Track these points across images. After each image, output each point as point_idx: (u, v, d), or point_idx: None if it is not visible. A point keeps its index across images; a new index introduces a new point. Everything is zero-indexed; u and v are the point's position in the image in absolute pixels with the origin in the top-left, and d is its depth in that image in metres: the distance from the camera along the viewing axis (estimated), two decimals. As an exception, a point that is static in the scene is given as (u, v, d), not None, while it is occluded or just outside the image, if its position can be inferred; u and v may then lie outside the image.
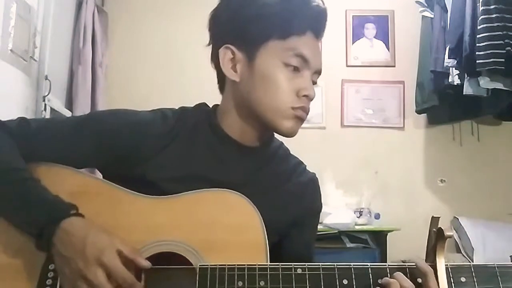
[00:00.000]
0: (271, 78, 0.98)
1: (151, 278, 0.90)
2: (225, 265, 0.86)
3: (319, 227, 2.88)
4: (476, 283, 0.87)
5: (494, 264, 0.89)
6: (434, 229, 0.88)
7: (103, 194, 0.96)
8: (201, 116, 1.06)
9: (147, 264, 0.86)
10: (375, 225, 3.10)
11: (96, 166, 1.05)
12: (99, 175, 1.06)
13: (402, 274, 0.85)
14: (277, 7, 0.98)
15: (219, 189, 0.95)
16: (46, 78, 2.64)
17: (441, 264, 0.86)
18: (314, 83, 1.02)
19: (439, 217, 0.89)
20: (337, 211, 3.00)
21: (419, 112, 3.31)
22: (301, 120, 1.00)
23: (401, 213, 3.26)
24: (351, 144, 3.43)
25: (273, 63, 0.98)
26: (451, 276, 0.87)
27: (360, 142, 3.44)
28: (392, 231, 3.03)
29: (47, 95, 2.63)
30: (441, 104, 3.13)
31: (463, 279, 0.87)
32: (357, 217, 3.09)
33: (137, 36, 3.51)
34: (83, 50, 3.08)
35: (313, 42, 1.01)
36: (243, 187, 0.96)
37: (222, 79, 1.07)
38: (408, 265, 0.88)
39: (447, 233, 0.86)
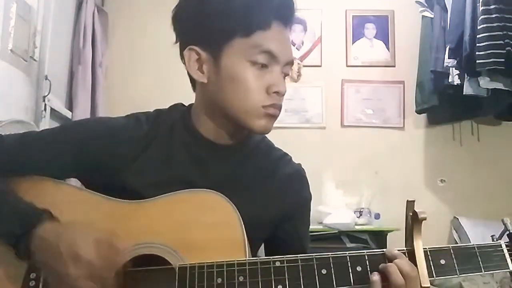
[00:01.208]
0: (238, 78, 0.94)
1: (131, 280, 0.90)
2: (204, 263, 0.87)
3: (319, 227, 2.90)
4: (456, 264, 0.87)
5: (473, 245, 0.89)
6: (410, 213, 0.87)
7: (83, 202, 0.96)
8: (176, 118, 1.04)
9: (124, 246, 0.86)
10: (375, 225, 3.09)
11: (75, 176, 1.04)
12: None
13: (400, 260, 0.85)
14: (237, 3, 0.94)
15: (195, 189, 0.95)
16: (46, 78, 2.64)
17: (419, 247, 0.86)
18: (287, 74, 1.00)
19: (414, 200, 0.89)
20: (337, 211, 3.00)
21: (419, 112, 3.30)
22: (273, 117, 0.97)
23: (401, 213, 3.18)
24: (351, 144, 3.42)
25: (239, 62, 0.95)
26: (430, 259, 0.87)
27: (360, 142, 3.43)
28: (392, 231, 3.03)
29: (47, 95, 2.63)
30: (441, 104, 3.13)
31: (442, 261, 0.87)
32: (357, 217, 3.08)
33: (137, 36, 3.50)
34: (83, 50, 3.08)
35: (281, 34, 0.97)
36: (223, 186, 0.95)
37: (193, 79, 1.04)
38: (384, 250, 0.88)
39: (421, 215, 0.86)
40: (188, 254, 0.89)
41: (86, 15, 3.13)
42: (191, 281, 0.86)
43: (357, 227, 2.98)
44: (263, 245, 1.11)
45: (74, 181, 1.07)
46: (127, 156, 0.98)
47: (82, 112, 3.01)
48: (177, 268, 0.87)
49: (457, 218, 3.23)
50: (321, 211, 3.00)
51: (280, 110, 0.98)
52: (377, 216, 3.16)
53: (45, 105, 2.63)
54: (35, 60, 2.58)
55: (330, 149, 3.39)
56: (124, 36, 3.52)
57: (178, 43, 1.03)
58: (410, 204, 0.88)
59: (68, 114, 2.96)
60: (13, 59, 2.35)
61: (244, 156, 1.05)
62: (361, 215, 3.13)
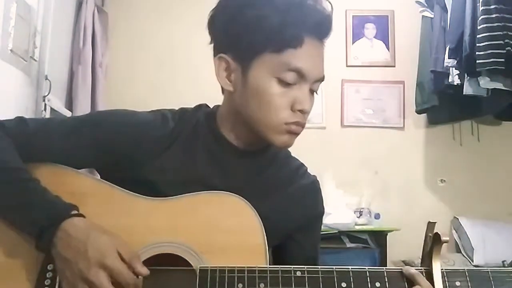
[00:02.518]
0: (264, 93, 0.94)
1: (150, 279, 0.90)
2: (225, 267, 0.87)
3: (319, 227, 2.90)
4: (470, 287, 0.89)
5: (487, 269, 0.92)
6: (430, 234, 0.89)
7: (103, 195, 0.96)
8: (200, 118, 1.05)
9: (144, 271, 0.86)
10: (375, 225, 3.10)
11: (96, 167, 1.04)
12: (97, 176, 1.05)
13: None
14: (272, 18, 0.92)
15: (219, 191, 0.95)
16: (46, 78, 2.64)
17: (437, 268, 0.88)
18: (314, 91, 0.99)
19: (435, 222, 0.90)
20: (337, 211, 3.00)
21: (419, 112, 3.31)
22: (295, 134, 0.97)
23: (401, 213, 3.26)
24: (351, 144, 3.43)
25: (266, 77, 0.94)
26: (446, 280, 0.89)
27: (360, 142, 3.44)
28: (392, 231, 3.03)
29: (47, 95, 2.63)
30: (441, 104, 3.13)
31: (458, 283, 0.89)
32: (357, 217, 3.09)
33: (137, 36, 3.51)
34: (83, 50, 3.08)
35: (313, 50, 0.96)
36: (242, 190, 0.95)
37: None
38: (402, 268, 0.90)
39: (443, 238, 0.88)
40: (208, 256, 0.89)
41: (86, 15, 3.13)
42: (212, 284, 0.86)
43: (357, 227, 2.99)
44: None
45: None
46: (151, 152, 0.98)
47: (82, 112, 3.01)
48: (198, 270, 0.87)
49: (457, 218, 3.23)
50: (322, 212, 3.00)
51: (303, 127, 0.98)
52: (377, 216, 3.16)
53: (45, 105, 2.63)
54: (35, 60, 2.58)
55: (330, 149, 3.39)
56: (124, 36, 3.52)
57: (212, 44, 1.03)
58: (431, 225, 0.90)
59: (68, 114, 2.96)
60: (13, 59, 2.35)
61: (264, 162, 1.06)
62: (361, 215, 3.13)
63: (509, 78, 2.56)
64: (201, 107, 1.09)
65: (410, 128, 3.48)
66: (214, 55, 1.00)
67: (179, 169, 0.99)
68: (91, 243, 0.84)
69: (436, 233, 0.88)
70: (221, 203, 0.94)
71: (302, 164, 1.13)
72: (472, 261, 2.97)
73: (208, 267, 0.87)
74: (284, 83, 0.94)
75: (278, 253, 1.09)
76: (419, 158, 3.46)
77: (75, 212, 0.89)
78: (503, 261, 0.77)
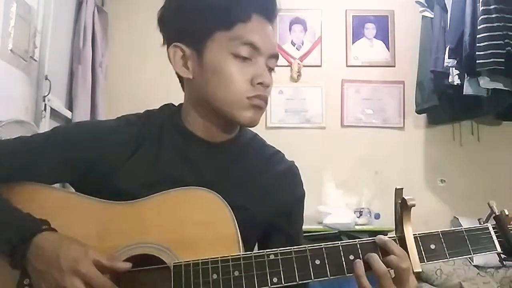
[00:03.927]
0: (222, 71, 0.95)
1: (127, 281, 0.90)
2: (198, 260, 0.87)
3: (319, 227, 2.91)
4: (446, 248, 0.89)
5: (462, 228, 0.91)
6: (399, 201, 0.88)
7: (73, 206, 0.96)
8: (166, 117, 1.04)
9: (126, 266, 0.86)
10: (375, 225, 3.10)
11: (68, 181, 1.04)
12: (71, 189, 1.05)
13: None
14: None
15: (186, 187, 0.95)
16: (46, 78, 2.64)
17: (409, 233, 0.88)
18: (272, 69, 1.00)
19: (402, 188, 0.89)
20: (337, 211, 3.01)
21: (419, 112, 3.31)
22: (260, 108, 0.98)
23: (401, 213, 3.25)
24: (351, 144, 3.43)
25: (221, 55, 0.95)
26: (420, 244, 0.88)
27: (360, 142, 3.44)
28: (392, 231, 3.01)
29: (47, 95, 2.63)
30: (441, 104, 3.13)
31: (432, 246, 0.89)
32: (357, 217, 3.09)
33: (137, 36, 3.50)
34: (83, 50, 3.08)
35: (262, 26, 0.98)
36: (215, 184, 0.95)
37: (181, 78, 1.05)
38: (374, 238, 0.90)
39: (410, 202, 0.87)
40: (181, 252, 0.89)
41: (86, 15, 3.13)
42: (187, 279, 0.86)
43: (357, 227, 2.99)
44: (256, 245, 1.11)
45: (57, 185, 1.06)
46: (118, 158, 0.98)
47: (82, 112, 3.01)
48: (172, 267, 0.87)
49: (457, 218, 3.23)
50: (321, 211, 3.01)
51: (266, 102, 0.99)
52: (377, 216, 3.16)
53: (45, 105, 2.63)
54: (35, 60, 2.58)
55: (330, 149, 3.39)
56: (124, 36, 3.53)
57: (165, 45, 1.04)
58: (398, 191, 0.89)
59: (68, 114, 2.96)
60: (13, 59, 2.35)
61: (236, 153, 1.06)
62: (361, 215, 3.13)
63: (509, 78, 2.55)
64: (167, 106, 1.09)
65: (410, 128, 3.48)
66: (168, 48, 1.02)
67: (149, 170, 0.98)
68: (64, 252, 0.84)
69: (403, 198, 0.87)
70: (189, 198, 0.94)
71: (278, 151, 1.12)
72: (472, 261, 2.97)
73: (181, 262, 0.87)
74: (240, 58, 0.95)
75: (264, 245, 1.09)
76: (419, 158, 3.46)
77: (45, 227, 0.89)
78: (478, 219, 0.77)
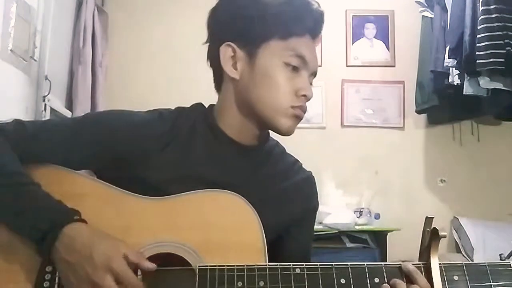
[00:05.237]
0: (271, 77, 0.99)
1: (150, 279, 0.90)
2: (224, 265, 0.87)
3: (319, 227, 2.90)
4: (468, 281, 0.90)
5: (485, 263, 0.93)
6: (428, 229, 0.90)
7: (101, 196, 0.96)
8: (198, 116, 1.06)
9: (152, 266, 0.87)
10: (375, 225, 3.10)
11: (95, 168, 1.04)
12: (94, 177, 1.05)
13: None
14: (279, 8, 1.00)
15: (217, 189, 0.95)
16: (46, 78, 2.64)
17: (435, 263, 0.89)
18: (311, 85, 1.04)
19: (433, 217, 0.91)
20: (337, 211, 3.00)
21: (419, 112, 3.31)
22: (298, 119, 1.02)
23: (401, 213, 3.26)
24: (351, 144, 3.43)
25: (273, 62, 0.99)
26: (444, 274, 0.90)
27: (360, 142, 3.44)
28: (392, 231, 3.03)
29: (47, 95, 2.63)
30: (441, 104, 3.13)
31: (455, 277, 0.90)
32: (357, 217, 3.09)
33: (137, 36, 3.51)
34: (83, 50, 3.08)
35: (311, 44, 1.04)
36: (241, 187, 0.96)
37: (219, 78, 1.07)
38: (400, 264, 0.90)
39: (441, 233, 0.88)
40: (207, 255, 0.89)
41: (86, 15, 3.13)
42: (212, 283, 0.86)
43: (357, 227, 2.99)
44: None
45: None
46: (149, 151, 0.99)
47: (82, 112, 3.01)
48: (197, 269, 0.87)
49: (457, 218, 3.23)
50: (321, 211, 2.99)
51: (304, 113, 1.03)
52: (377, 216, 3.16)
53: (45, 105, 2.63)
54: (35, 60, 2.58)
55: (330, 149, 3.39)
56: (124, 36, 3.52)
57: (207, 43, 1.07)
58: (428, 220, 0.91)
59: (68, 114, 2.96)
60: (13, 59, 2.35)
61: (261, 158, 1.08)
62: (361, 215, 3.13)
63: (509, 78, 2.55)
64: (197, 106, 1.10)
65: (410, 128, 3.48)
66: (212, 49, 1.04)
67: (178, 167, 0.99)
68: (96, 248, 0.85)
69: (434, 228, 0.89)
70: (219, 201, 0.94)
71: (297, 160, 1.15)
72: (472, 261, 2.97)
73: (207, 266, 0.87)
74: (290, 68, 1.00)
75: (272, 247, 1.10)
76: (419, 158, 3.46)
77: (77, 217, 0.90)
78: (500, 254, 0.78)
